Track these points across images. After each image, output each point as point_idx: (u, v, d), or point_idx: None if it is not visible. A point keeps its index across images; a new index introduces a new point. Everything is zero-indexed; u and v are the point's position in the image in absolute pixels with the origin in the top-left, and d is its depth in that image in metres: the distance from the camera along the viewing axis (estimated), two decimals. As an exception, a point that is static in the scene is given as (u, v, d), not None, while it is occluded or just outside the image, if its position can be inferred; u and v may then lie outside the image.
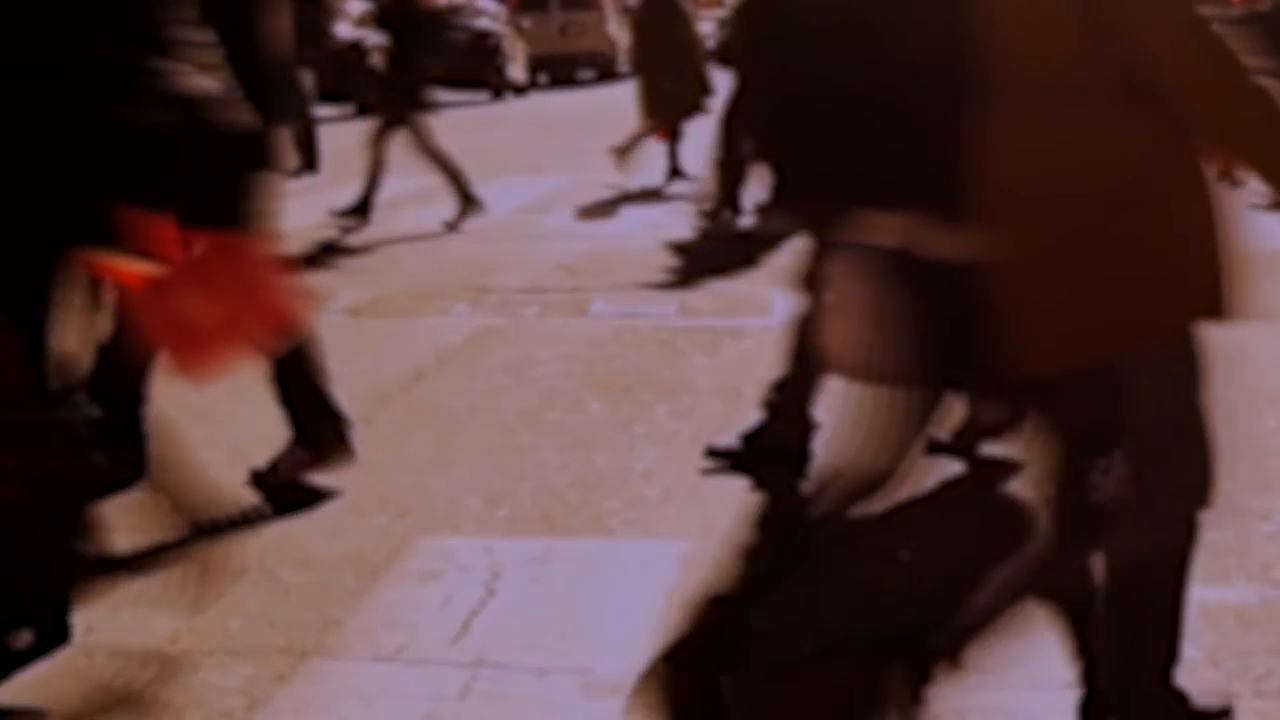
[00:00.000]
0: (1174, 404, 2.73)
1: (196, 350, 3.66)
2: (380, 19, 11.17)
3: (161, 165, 3.46)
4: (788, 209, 4.92)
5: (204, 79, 3.67)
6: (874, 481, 3.12)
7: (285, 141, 4.47)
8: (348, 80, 19.08)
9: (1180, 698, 2.91)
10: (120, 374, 4.71)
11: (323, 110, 16.73)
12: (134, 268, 3.50)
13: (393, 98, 10.85)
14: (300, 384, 4.70)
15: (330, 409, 4.75)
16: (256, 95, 4.02)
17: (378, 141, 10.88)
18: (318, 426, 4.72)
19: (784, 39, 4.63)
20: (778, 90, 4.73)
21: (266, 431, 5.37)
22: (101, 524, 3.67)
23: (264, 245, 3.89)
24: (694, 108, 12.36)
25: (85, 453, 3.56)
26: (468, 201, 10.84)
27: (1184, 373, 2.71)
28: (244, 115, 3.74)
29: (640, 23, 13.17)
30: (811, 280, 4.64)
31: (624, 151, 13.10)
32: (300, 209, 11.21)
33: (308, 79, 13.26)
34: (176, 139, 3.47)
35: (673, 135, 12.88)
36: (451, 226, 10.64)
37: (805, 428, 4.96)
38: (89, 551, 3.54)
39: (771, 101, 4.77)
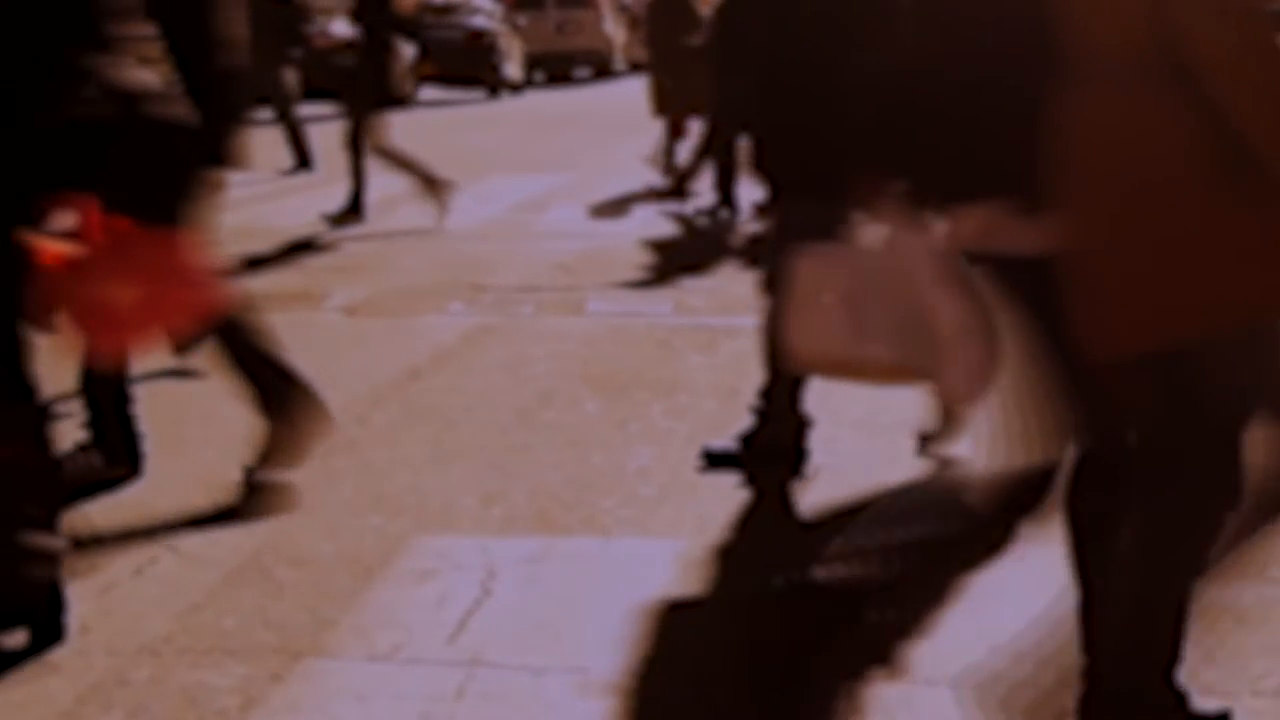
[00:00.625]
0: (1228, 396, 2.73)
1: (107, 332, 3.69)
2: (355, 12, 11.13)
3: (94, 156, 3.47)
4: (776, 205, 4.93)
5: (143, 72, 3.68)
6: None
7: (241, 137, 4.44)
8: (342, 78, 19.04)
9: (1181, 697, 2.90)
10: (103, 375, 4.70)
11: (320, 108, 16.72)
12: (54, 248, 3.52)
13: (361, 94, 10.78)
14: (256, 365, 4.66)
15: (292, 378, 4.70)
16: (202, 90, 4.01)
17: (355, 140, 10.85)
18: (284, 400, 4.69)
19: (775, 38, 4.62)
20: (768, 88, 4.72)
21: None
22: (65, 519, 3.66)
23: (189, 235, 3.88)
24: (697, 107, 12.34)
25: (42, 447, 3.55)
26: (435, 187, 10.75)
27: (1247, 365, 2.71)
28: (182, 109, 3.74)
29: (647, 21, 13.18)
30: (779, 281, 4.63)
31: (659, 159, 13.15)
32: (295, 207, 11.22)
33: (291, 78, 13.25)
34: (110, 131, 3.48)
35: (675, 134, 12.88)
36: (440, 220, 10.57)
37: (799, 427, 4.95)
38: (47, 546, 3.53)
39: (761, 100, 4.77)
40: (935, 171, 2.93)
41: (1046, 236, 2.73)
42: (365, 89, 10.65)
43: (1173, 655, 2.85)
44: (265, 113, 13.82)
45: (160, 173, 3.73)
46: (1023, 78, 2.75)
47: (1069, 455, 3.01)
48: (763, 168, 4.96)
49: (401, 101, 11.02)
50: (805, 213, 4.63)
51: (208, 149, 4.12)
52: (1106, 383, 2.79)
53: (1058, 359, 2.88)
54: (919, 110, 2.91)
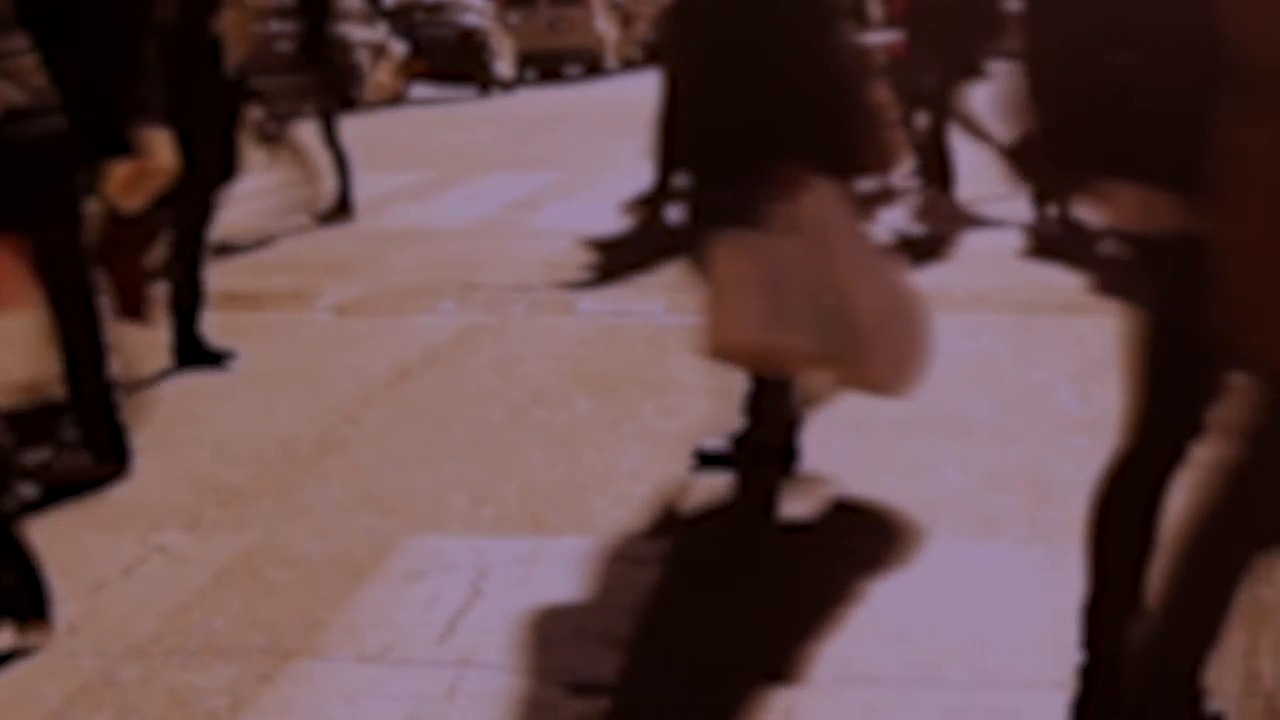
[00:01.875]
0: None
1: None
2: (298, 7, 11.12)
3: None
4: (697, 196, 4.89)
5: (6, 87, 3.69)
6: None
7: (142, 136, 4.41)
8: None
9: (1196, 699, 2.87)
10: (84, 370, 4.68)
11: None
12: None
13: (314, 88, 10.77)
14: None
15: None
16: (87, 97, 4.01)
17: (330, 137, 10.83)
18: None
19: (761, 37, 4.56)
20: (703, 78, 4.64)
21: (253, 430, 5.36)
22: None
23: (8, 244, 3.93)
24: None
25: None
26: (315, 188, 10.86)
27: None
28: (51, 121, 3.75)
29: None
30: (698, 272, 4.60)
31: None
32: (284, 206, 11.19)
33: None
34: None
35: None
36: (308, 221, 10.61)
37: (791, 426, 4.93)
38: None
39: (696, 91, 4.69)
40: (1096, 150, 2.89)
41: (1200, 221, 2.69)
42: (316, 82, 10.69)
43: (1201, 657, 2.83)
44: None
45: (12, 185, 3.79)
46: (1194, 72, 2.72)
47: (1118, 449, 2.99)
48: (688, 158, 4.91)
49: (351, 100, 11.03)
50: (728, 202, 4.57)
51: (79, 159, 4.12)
52: (1221, 385, 2.77)
53: (1177, 350, 2.85)
54: (1079, 91, 2.88)
